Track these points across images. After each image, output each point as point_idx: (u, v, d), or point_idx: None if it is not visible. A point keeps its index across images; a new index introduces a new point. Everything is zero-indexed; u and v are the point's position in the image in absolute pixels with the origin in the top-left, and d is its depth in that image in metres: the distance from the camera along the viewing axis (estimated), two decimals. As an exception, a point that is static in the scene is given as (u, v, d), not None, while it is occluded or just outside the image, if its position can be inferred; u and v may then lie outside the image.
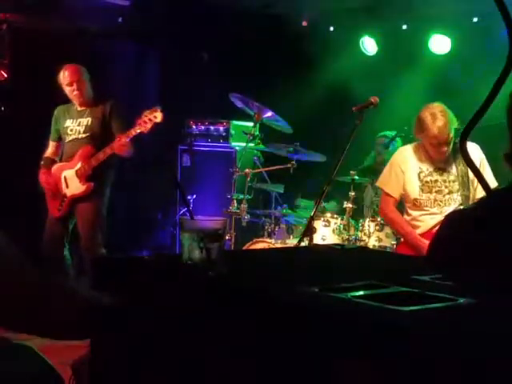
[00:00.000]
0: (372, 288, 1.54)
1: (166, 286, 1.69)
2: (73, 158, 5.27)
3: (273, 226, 5.82)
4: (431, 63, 6.71)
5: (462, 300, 1.43)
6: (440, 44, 6.65)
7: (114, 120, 5.30)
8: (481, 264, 1.55)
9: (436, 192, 4.36)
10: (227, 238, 5.63)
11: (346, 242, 5.39)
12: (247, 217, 5.81)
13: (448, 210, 4.31)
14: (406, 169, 4.46)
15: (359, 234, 5.55)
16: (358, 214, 5.86)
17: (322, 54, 7.27)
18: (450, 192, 4.34)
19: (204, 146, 7.12)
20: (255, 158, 6.21)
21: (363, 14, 6.71)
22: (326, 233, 5.56)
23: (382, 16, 6.71)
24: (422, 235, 4.38)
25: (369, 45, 7.10)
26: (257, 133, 6.15)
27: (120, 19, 6.80)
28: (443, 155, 4.31)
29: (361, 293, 1.48)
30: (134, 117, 7.35)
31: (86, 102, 5.35)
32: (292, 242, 5.45)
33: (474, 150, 4.26)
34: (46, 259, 5.25)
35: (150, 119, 5.11)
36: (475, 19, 6.40)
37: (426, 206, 4.41)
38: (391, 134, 6.24)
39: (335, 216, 5.62)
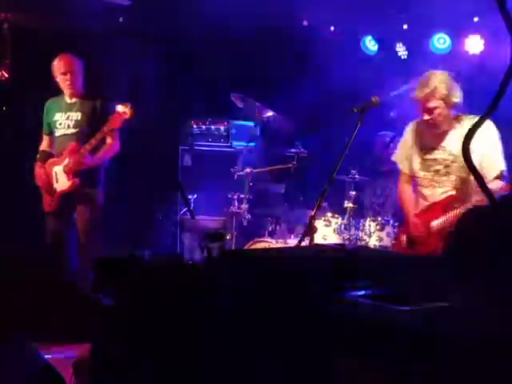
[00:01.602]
0: (373, 288, 1.54)
1: (166, 286, 1.69)
2: (62, 154, 5.29)
3: (273, 225, 5.82)
4: (432, 62, 6.70)
5: (463, 300, 1.43)
6: (441, 43, 6.65)
7: (104, 117, 5.26)
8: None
9: (434, 171, 4.24)
10: (228, 237, 5.63)
11: (347, 242, 5.39)
12: (248, 216, 5.81)
13: (439, 191, 4.20)
14: (412, 144, 4.37)
15: (360, 233, 5.55)
16: (358, 214, 5.87)
17: (323, 53, 7.27)
18: (447, 173, 4.18)
19: (205, 146, 7.12)
20: (256, 157, 6.21)
21: (364, 14, 6.70)
22: (327, 232, 5.56)
23: (382, 15, 6.70)
24: (416, 215, 4.31)
25: (369, 44, 7.10)
26: (257, 133, 6.15)
27: (121, 19, 6.80)
28: (432, 126, 4.17)
29: (362, 292, 1.48)
30: (135, 116, 7.36)
31: (77, 93, 5.34)
32: (293, 241, 5.45)
33: (486, 129, 4.02)
34: (50, 255, 5.30)
35: (120, 115, 5.12)
36: (476, 19, 6.40)
37: (422, 186, 4.31)
38: (390, 133, 6.25)
39: (336, 215, 5.63)
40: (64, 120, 5.35)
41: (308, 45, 7.29)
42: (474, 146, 4.02)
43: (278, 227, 5.83)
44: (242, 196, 5.81)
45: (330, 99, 6.85)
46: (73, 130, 5.29)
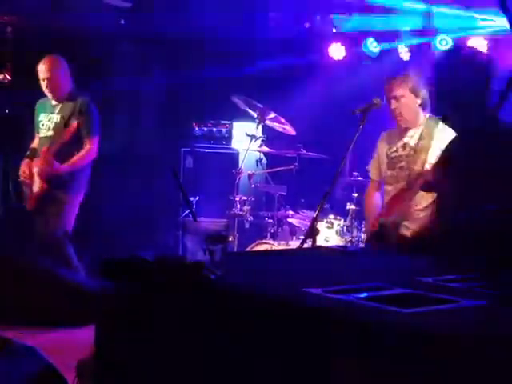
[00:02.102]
0: (375, 290, 1.54)
1: (168, 288, 1.69)
2: (40, 157, 5.29)
3: (276, 227, 5.81)
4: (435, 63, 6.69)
5: (464, 302, 1.43)
6: (443, 44, 6.64)
7: (81, 120, 5.23)
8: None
9: (399, 168, 4.27)
10: (230, 239, 5.62)
11: (349, 244, 5.38)
12: (250, 218, 5.80)
13: (398, 186, 4.20)
14: (380, 149, 4.45)
15: (362, 235, 5.54)
16: (361, 216, 5.86)
17: (325, 55, 7.27)
18: (408, 168, 4.19)
19: (207, 148, 7.12)
20: (258, 159, 6.20)
21: (366, 15, 6.71)
22: (329, 234, 5.56)
23: (385, 17, 6.70)
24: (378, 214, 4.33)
25: (371, 46, 7.10)
26: (259, 134, 6.14)
27: (122, 21, 6.81)
28: (397, 118, 4.23)
29: (364, 294, 1.48)
30: (135, 119, 7.37)
31: (59, 97, 5.34)
32: (295, 243, 5.45)
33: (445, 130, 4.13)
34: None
35: (72, 128, 5.13)
36: (479, 20, 6.39)
37: (388, 184, 4.34)
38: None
39: (338, 217, 5.62)
40: (46, 122, 5.38)
41: (309, 47, 7.29)
42: (434, 143, 4.01)
43: (280, 229, 5.83)
44: (243, 198, 5.81)
45: (332, 100, 6.85)
46: (51, 133, 5.32)
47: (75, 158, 5.26)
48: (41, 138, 5.41)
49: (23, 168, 5.40)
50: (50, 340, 4.64)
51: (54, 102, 5.39)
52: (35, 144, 5.54)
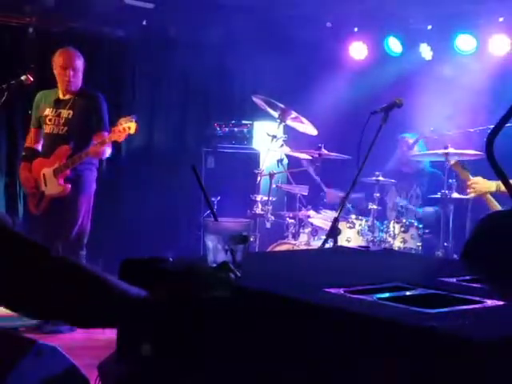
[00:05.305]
0: (398, 290, 1.53)
1: (189, 288, 1.69)
2: (51, 156, 5.12)
3: (297, 227, 5.80)
4: (456, 63, 6.64)
5: (488, 302, 1.42)
6: (465, 44, 6.59)
7: (94, 116, 5.12)
8: None
9: None
10: (251, 239, 5.61)
11: (371, 244, 5.36)
12: (271, 218, 5.79)
13: None
14: None
15: (384, 235, 5.52)
16: (382, 216, 5.84)
17: (346, 54, 7.25)
18: None
19: (228, 148, 7.12)
20: (279, 159, 6.19)
21: (388, 14, 6.67)
22: (351, 234, 5.54)
23: (406, 16, 6.66)
24: None
25: (393, 45, 7.06)
26: (281, 134, 6.13)
27: (144, 22, 6.84)
28: None
29: (386, 295, 1.47)
30: (157, 120, 7.38)
31: (73, 90, 5.17)
32: (316, 243, 5.44)
33: None
34: None
35: (124, 129, 4.90)
36: (501, 19, 6.33)
37: None
38: (412, 135, 6.22)
39: (360, 217, 5.60)
40: (54, 117, 5.17)
41: (331, 46, 7.26)
42: None
43: (301, 229, 5.82)
44: (265, 198, 5.80)
45: (354, 100, 6.82)
46: (63, 129, 5.13)
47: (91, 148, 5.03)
48: (47, 134, 5.21)
49: (24, 175, 5.23)
50: (72, 340, 4.68)
51: (62, 96, 5.20)
52: (32, 142, 5.34)
